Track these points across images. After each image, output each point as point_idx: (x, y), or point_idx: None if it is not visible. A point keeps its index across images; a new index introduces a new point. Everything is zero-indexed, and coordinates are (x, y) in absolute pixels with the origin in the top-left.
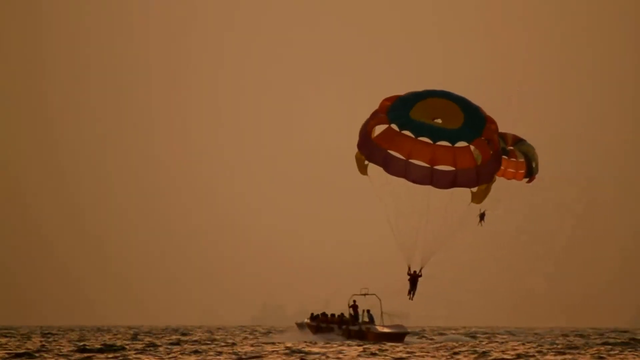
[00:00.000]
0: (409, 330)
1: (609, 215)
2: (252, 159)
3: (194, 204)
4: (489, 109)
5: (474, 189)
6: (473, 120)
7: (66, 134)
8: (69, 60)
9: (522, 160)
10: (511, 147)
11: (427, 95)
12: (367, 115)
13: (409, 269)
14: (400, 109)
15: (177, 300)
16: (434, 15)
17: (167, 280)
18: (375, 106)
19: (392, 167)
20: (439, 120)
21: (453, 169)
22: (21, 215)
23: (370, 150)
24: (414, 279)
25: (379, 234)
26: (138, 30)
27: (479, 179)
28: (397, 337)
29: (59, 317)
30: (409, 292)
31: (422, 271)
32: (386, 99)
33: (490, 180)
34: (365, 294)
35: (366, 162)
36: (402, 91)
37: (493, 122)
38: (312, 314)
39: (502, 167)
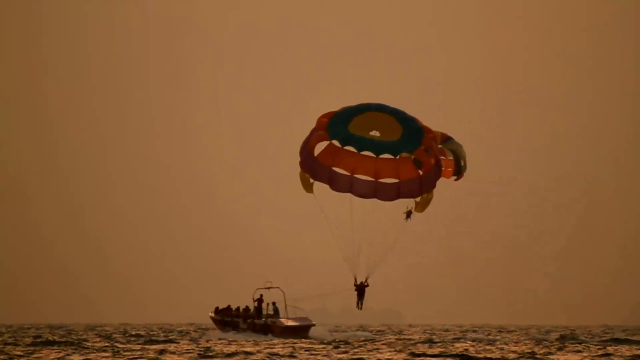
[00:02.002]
0: (314, 322)
1: (609, 215)
2: (252, 159)
3: (194, 203)
4: (489, 109)
5: (418, 199)
6: (411, 131)
7: (66, 134)
8: (69, 60)
9: (451, 158)
10: (440, 146)
11: (363, 109)
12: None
13: (355, 280)
14: (339, 125)
15: (177, 299)
16: (434, 16)
17: (167, 279)
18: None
19: (338, 183)
20: (377, 133)
21: (397, 180)
22: (21, 215)
23: (314, 168)
24: (360, 289)
25: (375, 232)
26: (138, 30)
27: (422, 188)
28: (303, 330)
29: (59, 315)
30: (357, 303)
31: (368, 280)
32: (323, 116)
33: (433, 188)
34: (269, 288)
35: (311, 180)
36: (402, 91)
37: (430, 131)
38: (216, 307)
39: (438, 153)
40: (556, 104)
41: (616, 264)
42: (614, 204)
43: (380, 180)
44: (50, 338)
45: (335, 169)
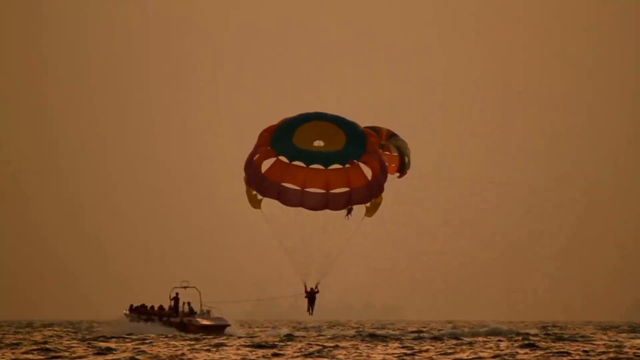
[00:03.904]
0: (229, 322)
1: (609, 215)
2: None
3: (194, 203)
4: (488, 109)
5: (368, 204)
6: (354, 138)
7: (66, 134)
8: (69, 60)
9: (395, 154)
10: (385, 142)
11: (304, 119)
12: (369, 116)
13: (305, 287)
14: (283, 140)
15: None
16: (434, 16)
17: (167, 278)
18: (378, 108)
19: (288, 198)
20: (321, 143)
21: (348, 189)
22: (21, 215)
23: (262, 185)
24: (311, 295)
25: (375, 232)
26: (138, 30)
27: (371, 193)
28: (218, 329)
29: (59, 314)
30: (308, 308)
31: (318, 287)
32: (264, 130)
33: (381, 192)
34: (185, 287)
35: (259, 197)
36: (402, 91)
37: (372, 134)
38: (131, 305)
39: (382, 157)
40: (556, 104)
41: (616, 264)
42: (614, 204)
43: (331, 191)
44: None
45: (285, 184)
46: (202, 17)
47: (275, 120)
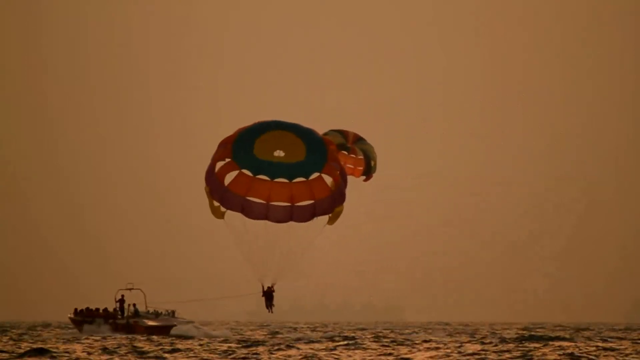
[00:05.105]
0: (175, 323)
1: (609, 215)
2: None
3: (194, 203)
4: (488, 109)
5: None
6: (314, 146)
7: (66, 134)
8: (69, 60)
9: (361, 157)
10: (351, 145)
11: (263, 129)
12: (369, 116)
13: (263, 287)
14: (244, 152)
15: (177, 297)
16: (434, 16)
17: (167, 278)
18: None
19: (253, 212)
20: (282, 153)
21: (312, 201)
22: (21, 215)
23: (226, 197)
24: (268, 294)
25: (376, 232)
26: (138, 30)
27: (335, 203)
28: (165, 329)
29: (58, 314)
30: (267, 306)
31: (275, 286)
32: (223, 141)
33: (343, 200)
34: (130, 289)
35: (223, 209)
36: (402, 91)
37: (330, 142)
38: (75, 308)
39: (341, 163)
40: (556, 104)
41: (616, 264)
42: (614, 204)
43: (296, 204)
44: None
45: (249, 198)
46: (202, 17)
47: (279, 118)
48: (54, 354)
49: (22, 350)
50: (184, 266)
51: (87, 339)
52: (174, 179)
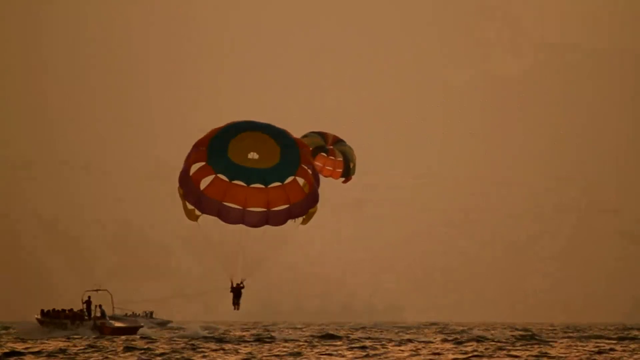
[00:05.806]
0: (142, 324)
1: (609, 215)
2: None
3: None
4: (489, 109)
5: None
6: (287, 148)
7: (66, 134)
8: (69, 60)
9: (340, 159)
10: (331, 147)
11: (236, 131)
12: (369, 116)
13: (232, 283)
14: (219, 155)
15: (177, 297)
16: (434, 16)
17: (167, 278)
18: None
19: (229, 217)
20: (256, 155)
21: (287, 205)
22: (20, 215)
23: (201, 202)
24: (237, 290)
25: (375, 232)
26: (138, 30)
27: (309, 205)
28: (131, 330)
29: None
30: (233, 303)
31: (244, 282)
32: (197, 144)
33: (317, 202)
34: (97, 290)
35: (197, 212)
36: (402, 92)
37: (303, 145)
38: (42, 310)
39: (320, 164)
40: (556, 104)
41: (616, 264)
42: (614, 204)
43: (272, 209)
44: None
45: (225, 203)
46: (202, 17)
47: (280, 120)
48: (22, 356)
49: None
50: (185, 265)
51: (53, 340)
52: (174, 179)
